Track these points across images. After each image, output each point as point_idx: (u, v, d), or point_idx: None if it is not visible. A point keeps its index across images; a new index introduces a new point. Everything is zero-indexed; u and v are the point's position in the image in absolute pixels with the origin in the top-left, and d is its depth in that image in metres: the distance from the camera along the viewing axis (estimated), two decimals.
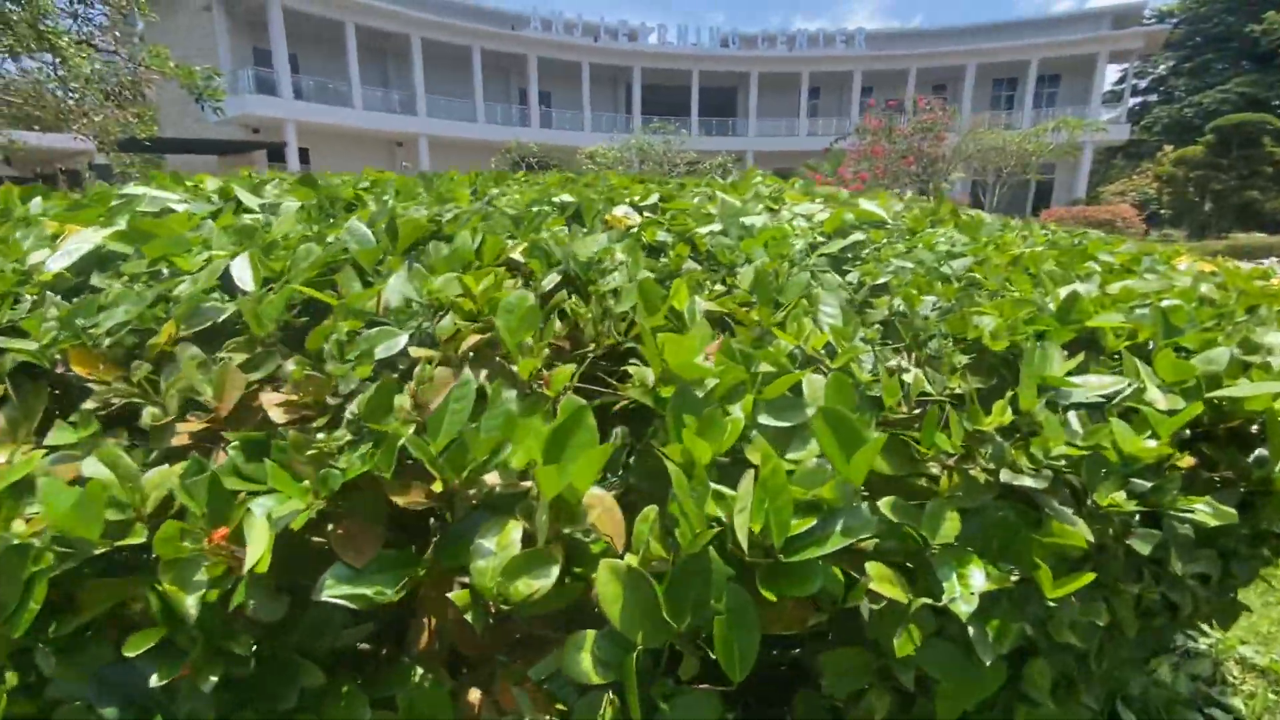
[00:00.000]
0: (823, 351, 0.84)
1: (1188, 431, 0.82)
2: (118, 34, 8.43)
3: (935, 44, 35.61)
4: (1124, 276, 1.11)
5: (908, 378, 0.82)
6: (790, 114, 36.62)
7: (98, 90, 9.17)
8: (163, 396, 0.78)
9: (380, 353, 0.78)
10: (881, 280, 0.93)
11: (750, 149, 35.85)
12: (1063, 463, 0.75)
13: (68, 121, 10.17)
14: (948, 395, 0.82)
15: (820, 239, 1.09)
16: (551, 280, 0.91)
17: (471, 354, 0.81)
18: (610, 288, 0.88)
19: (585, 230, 1.06)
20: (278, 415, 0.75)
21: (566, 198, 1.18)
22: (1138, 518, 0.79)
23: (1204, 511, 0.77)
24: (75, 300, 0.85)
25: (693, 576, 0.63)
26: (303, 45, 27.71)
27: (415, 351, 0.80)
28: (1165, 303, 0.94)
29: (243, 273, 0.88)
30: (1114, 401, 0.83)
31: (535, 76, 32.42)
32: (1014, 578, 0.71)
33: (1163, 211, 20.53)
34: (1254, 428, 0.87)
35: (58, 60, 5.63)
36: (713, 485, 0.67)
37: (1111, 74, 37.10)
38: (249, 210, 1.21)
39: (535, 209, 1.12)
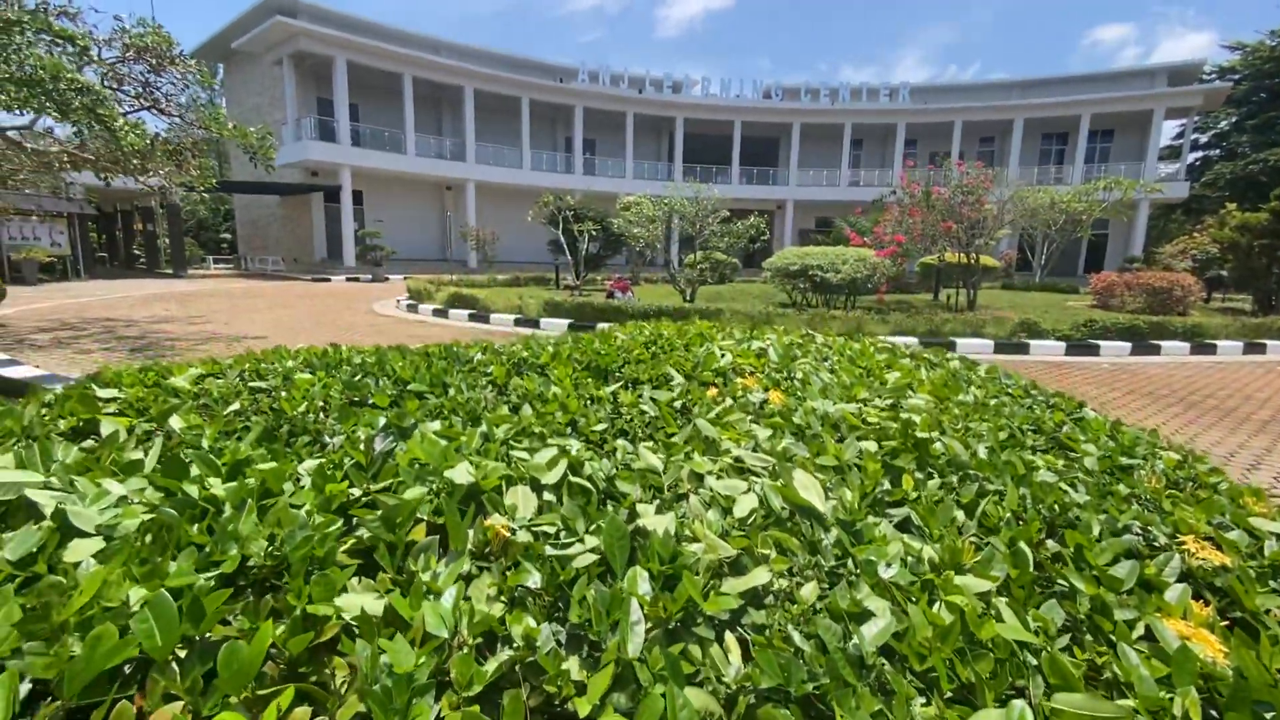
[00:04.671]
0: None
1: None
2: (182, 100, 8.98)
3: (981, 98, 35.31)
4: None
5: None
6: (832, 164, 36.62)
7: (163, 150, 9.75)
8: None
9: None
10: None
11: (790, 198, 35.94)
12: None
13: (136, 175, 10.89)
14: None
15: None
16: None
17: None
18: None
19: None
20: None
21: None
22: None
23: None
24: None
25: None
26: (364, 94, 29.27)
27: None
28: None
29: None
30: None
31: (580, 125, 33.38)
32: None
33: (1224, 273, 19.47)
34: None
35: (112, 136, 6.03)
36: None
37: (1169, 129, 36.04)
38: None
39: None
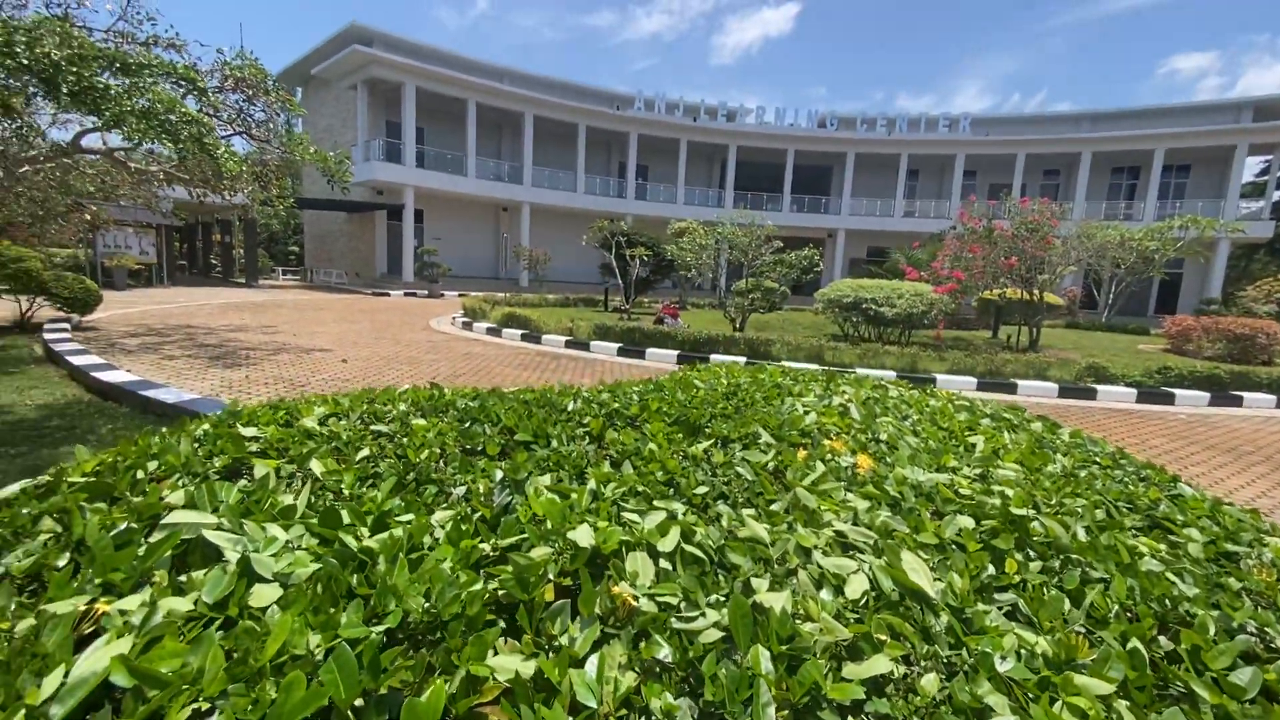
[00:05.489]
0: None
1: None
2: (272, 127, 9.61)
3: (1047, 130, 34.40)
4: None
5: None
6: (886, 194, 36.18)
7: (249, 171, 10.43)
8: None
9: None
10: None
11: (841, 227, 35.60)
12: None
13: (225, 193, 11.67)
14: None
15: None
16: None
17: None
18: None
19: None
20: None
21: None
22: None
23: None
24: None
25: None
26: (429, 118, 30.62)
27: None
28: None
29: None
30: None
31: (634, 152, 34.01)
32: None
33: None
34: None
35: (214, 163, 6.54)
36: None
37: (1253, 164, 34.24)
38: None
39: None
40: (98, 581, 0.98)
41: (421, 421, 1.56)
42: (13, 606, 1.00)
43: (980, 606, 1.05)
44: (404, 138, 27.73)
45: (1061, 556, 1.27)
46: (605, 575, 1.03)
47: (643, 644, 0.90)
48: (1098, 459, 2.04)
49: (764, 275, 14.33)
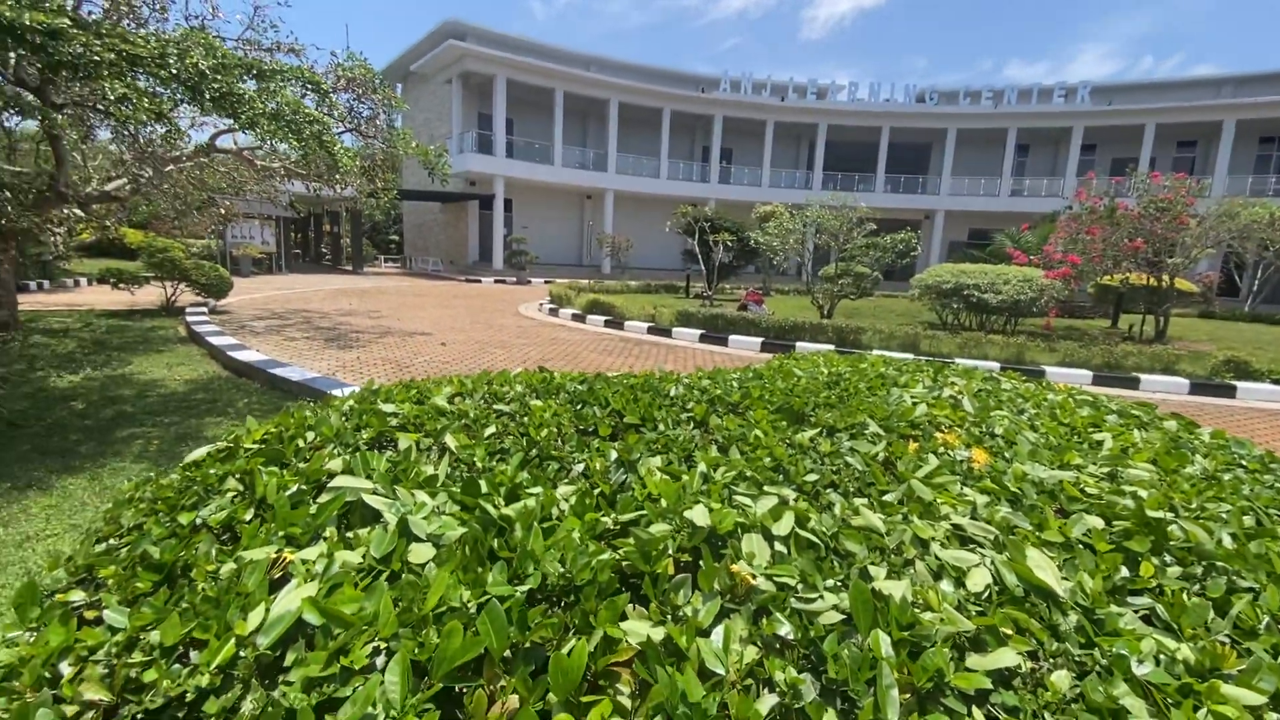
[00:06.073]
0: None
1: None
2: (378, 123, 10.24)
3: (1181, 96, 30.83)
4: None
5: None
6: (991, 172, 33.76)
7: (358, 166, 11.15)
8: None
9: None
10: None
11: (940, 208, 33.64)
12: None
13: (337, 187, 12.57)
14: None
15: None
16: None
17: None
18: None
19: None
20: None
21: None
22: None
23: None
24: None
25: None
26: (518, 108, 31.46)
27: None
28: None
29: None
30: None
31: (719, 134, 33.50)
32: None
33: None
34: None
35: (332, 160, 7.10)
36: None
37: None
38: None
39: None
40: (281, 534, 1.13)
41: (538, 403, 1.66)
42: (213, 552, 1.17)
43: (1113, 609, 1.01)
44: (495, 129, 28.66)
45: (1204, 563, 1.20)
46: (722, 554, 1.08)
47: (763, 620, 0.94)
48: (1244, 462, 1.87)
49: (855, 260, 13.81)
